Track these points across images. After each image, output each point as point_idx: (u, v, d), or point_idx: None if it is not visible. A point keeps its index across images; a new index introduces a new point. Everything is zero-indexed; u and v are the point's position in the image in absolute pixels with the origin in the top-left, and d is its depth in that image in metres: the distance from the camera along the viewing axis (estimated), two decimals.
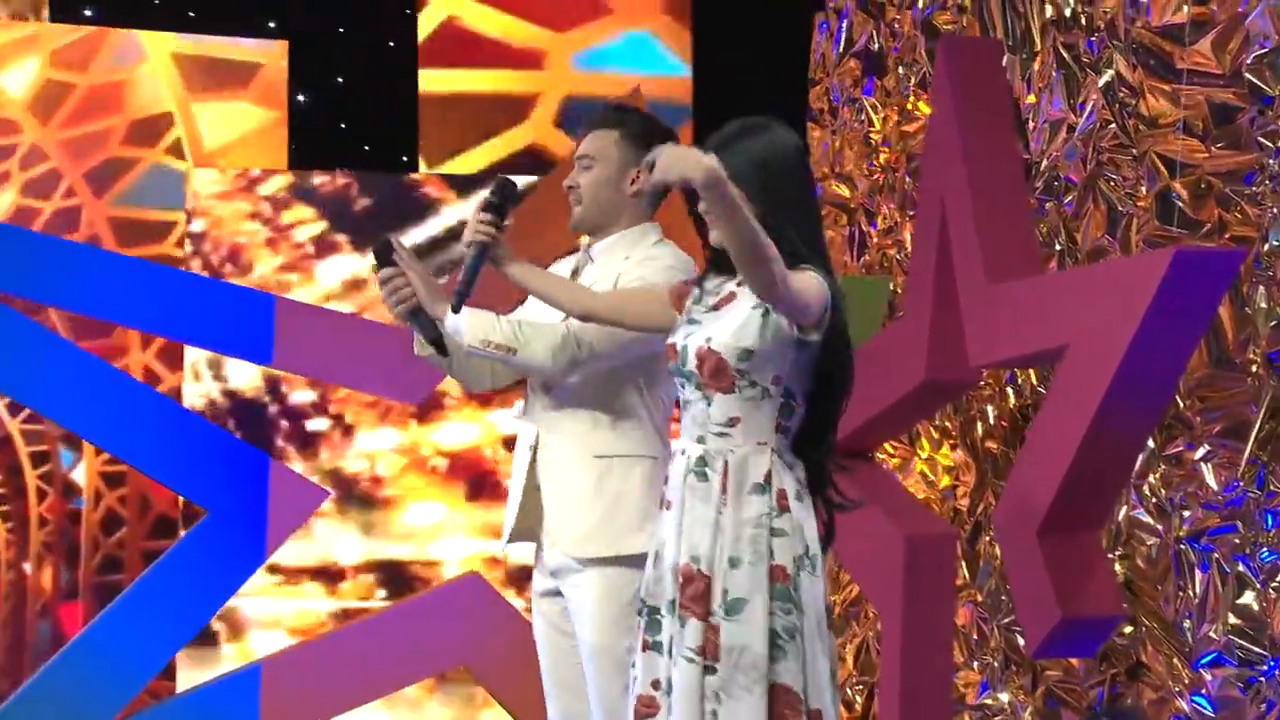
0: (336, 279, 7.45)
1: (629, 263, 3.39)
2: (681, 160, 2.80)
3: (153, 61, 7.93)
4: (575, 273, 3.49)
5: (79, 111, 7.96)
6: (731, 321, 3.02)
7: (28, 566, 7.96)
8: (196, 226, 7.60)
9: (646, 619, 3.05)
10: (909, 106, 5.87)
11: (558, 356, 3.32)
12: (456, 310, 3.27)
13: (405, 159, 8.38)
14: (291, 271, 7.47)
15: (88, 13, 8.29)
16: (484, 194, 3.33)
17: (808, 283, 2.93)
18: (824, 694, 2.94)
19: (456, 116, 8.11)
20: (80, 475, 7.95)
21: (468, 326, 3.28)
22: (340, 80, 8.68)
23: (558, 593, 3.45)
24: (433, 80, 8.13)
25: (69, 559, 7.99)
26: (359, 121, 8.60)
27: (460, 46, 8.23)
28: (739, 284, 3.08)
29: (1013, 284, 4.22)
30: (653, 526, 3.15)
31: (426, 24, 8.21)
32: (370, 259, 3.43)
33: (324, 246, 7.48)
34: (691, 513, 3.00)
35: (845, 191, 6.29)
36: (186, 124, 7.94)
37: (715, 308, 3.09)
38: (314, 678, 6.13)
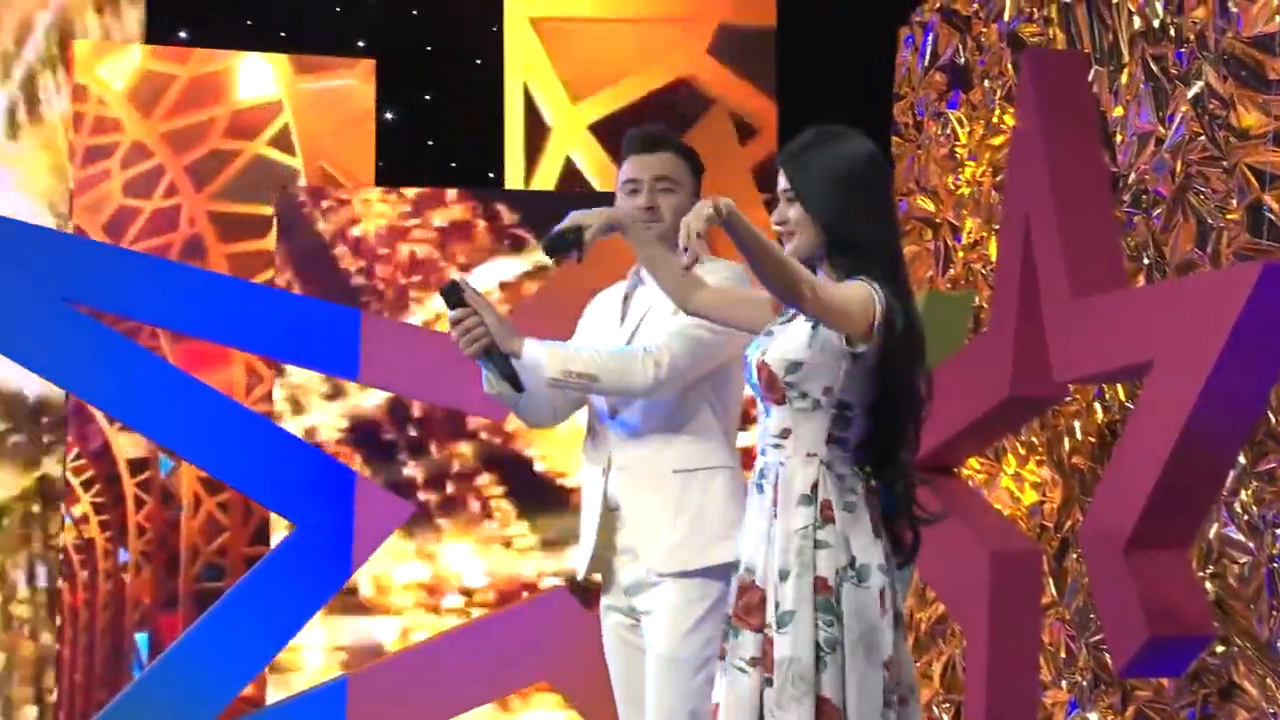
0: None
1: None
2: (698, 214, 2.87)
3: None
4: (626, 297, 3.51)
5: (180, 103, 8.03)
6: (788, 335, 3.05)
7: (126, 576, 8.05)
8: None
9: (726, 629, 3.07)
10: (995, 120, 5.83)
11: (640, 378, 3.33)
12: (550, 253, 3.27)
13: (491, 175, 8.43)
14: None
15: (182, 34, 8.41)
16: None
17: (851, 293, 2.94)
18: (866, 708, 2.92)
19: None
20: (179, 482, 8.01)
21: (547, 359, 3.31)
22: (428, 97, 8.76)
23: (631, 609, 3.47)
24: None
25: (168, 567, 8.05)
26: (447, 137, 8.68)
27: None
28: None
29: (1098, 298, 4.17)
30: (736, 535, 3.16)
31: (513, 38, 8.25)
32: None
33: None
34: (749, 525, 3.05)
35: (930, 206, 6.25)
36: (295, 113, 7.92)
37: (787, 321, 3.10)
38: (400, 692, 6.17)
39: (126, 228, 7.87)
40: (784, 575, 2.96)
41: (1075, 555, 5.21)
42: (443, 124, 8.73)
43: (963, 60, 6.05)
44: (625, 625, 3.49)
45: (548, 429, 3.66)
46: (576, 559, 3.57)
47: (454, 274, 3.46)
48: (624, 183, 3.50)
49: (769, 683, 2.94)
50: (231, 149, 8.06)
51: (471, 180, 8.37)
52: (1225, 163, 4.62)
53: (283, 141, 8.01)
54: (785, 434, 3.01)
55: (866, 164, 3.04)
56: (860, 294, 2.94)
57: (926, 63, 6.28)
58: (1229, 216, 4.59)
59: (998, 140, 5.80)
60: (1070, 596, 5.25)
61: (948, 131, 6.15)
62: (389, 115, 8.49)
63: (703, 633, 3.32)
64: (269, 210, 7.63)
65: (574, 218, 3.26)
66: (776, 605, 2.95)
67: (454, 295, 3.35)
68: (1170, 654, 4.06)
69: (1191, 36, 4.77)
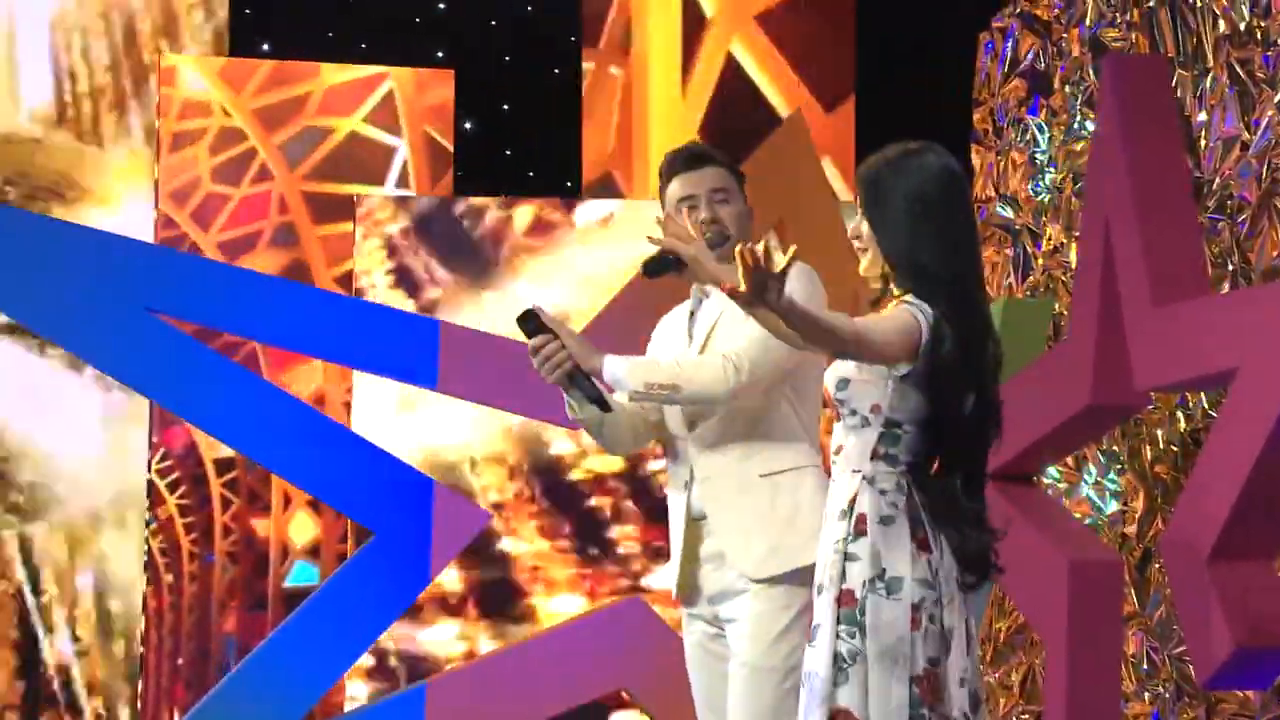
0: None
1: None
2: (749, 304, 2.86)
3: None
4: (691, 314, 3.52)
5: (272, 79, 8.04)
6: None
7: (213, 578, 8.09)
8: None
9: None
10: (1076, 126, 5.78)
11: (721, 384, 3.33)
12: (649, 274, 3.32)
13: (569, 184, 8.45)
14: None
15: (265, 47, 8.48)
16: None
17: (893, 325, 2.94)
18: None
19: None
20: (266, 481, 8.00)
21: (627, 373, 3.32)
22: (505, 108, 8.79)
23: (715, 618, 3.46)
24: None
25: (257, 567, 8.07)
26: (524, 148, 8.70)
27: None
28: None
29: (1180, 305, 4.11)
30: None
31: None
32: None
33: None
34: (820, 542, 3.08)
35: (1010, 213, 6.20)
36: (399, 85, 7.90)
37: None
38: (478, 699, 6.20)
39: (213, 216, 7.87)
40: (820, 590, 2.99)
41: (1158, 565, 5.15)
42: (519, 133, 8.74)
43: (1043, 66, 6.00)
44: (709, 635, 3.48)
45: (628, 454, 3.67)
46: (667, 576, 3.58)
47: (531, 304, 3.46)
48: (678, 202, 3.50)
49: None
50: (326, 125, 8.03)
51: (551, 189, 8.39)
52: None
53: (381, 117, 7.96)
54: (839, 450, 3.06)
55: (937, 187, 3.02)
56: (901, 323, 2.94)
57: (1006, 68, 6.22)
58: None
59: (1079, 146, 5.74)
60: (1152, 607, 5.18)
61: (1027, 138, 6.10)
62: (467, 125, 8.53)
63: (789, 640, 3.32)
64: (364, 189, 7.66)
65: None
66: (813, 619, 2.99)
67: (531, 323, 3.35)
68: (1256, 666, 4.00)
69: (1278, 39, 4.71)
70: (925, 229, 2.99)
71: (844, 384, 3.02)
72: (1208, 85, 5.02)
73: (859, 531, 2.96)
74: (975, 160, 6.48)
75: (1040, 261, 5.97)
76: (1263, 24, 4.79)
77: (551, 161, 8.58)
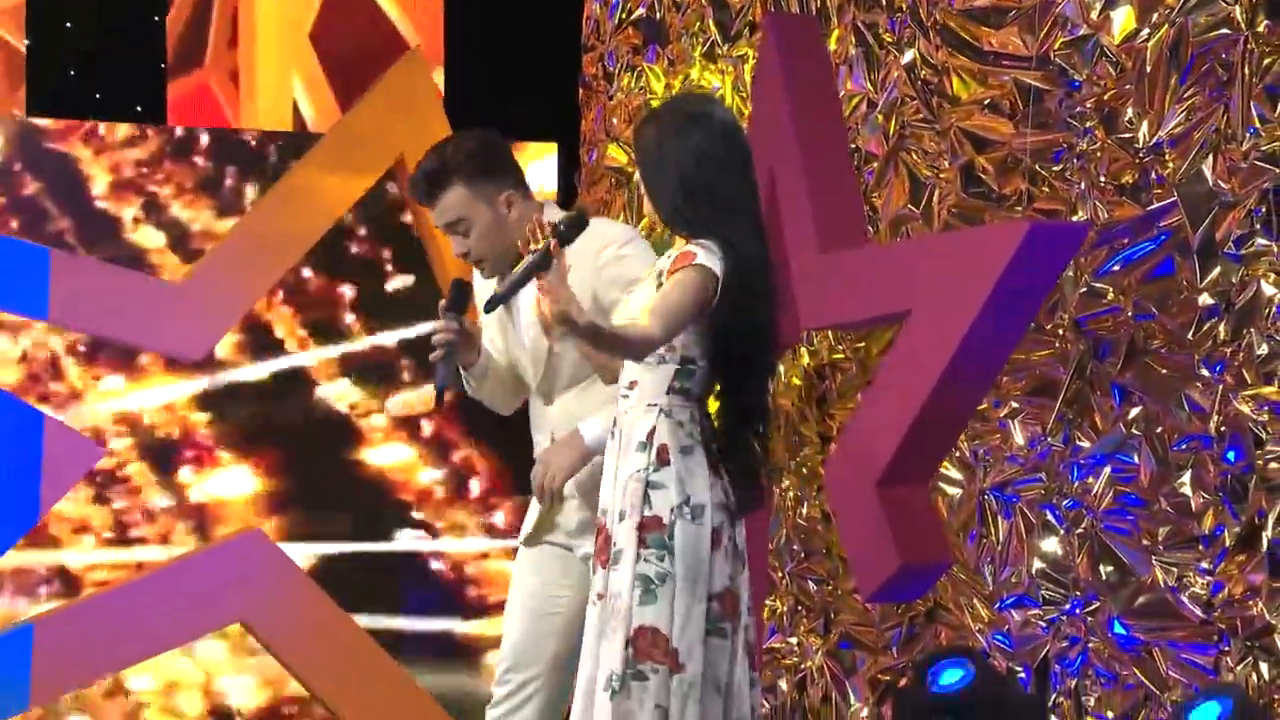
0: None
1: (601, 272, 3.55)
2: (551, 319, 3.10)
3: None
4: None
5: None
6: (637, 298, 3.30)
7: None
8: None
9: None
10: (696, 77, 6.07)
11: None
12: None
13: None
14: None
15: None
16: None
17: (688, 295, 3.16)
18: (690, 635, 3.15)
19: None
20: None
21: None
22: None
23: (569, 549, 3.66)
24: None
25: None
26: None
27: None
28: (669, 257, 3.28)
29: (846, 252, 4.47)
30: None
31: None
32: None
33: None
34: (604, 471, 3.28)
35: (622, 157, 6.46)
36: None
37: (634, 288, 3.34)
38: (89, 636, 6.04)
39: None
40: (621, 516, 3.20)
41: (778, 488, 5.52)
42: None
43: (659, 16, 6.26)
44: (557, 555, 3.68)
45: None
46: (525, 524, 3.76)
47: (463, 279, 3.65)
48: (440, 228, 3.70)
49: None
50: None
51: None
52: (938, 126, 4.98)
53: None
54: (632, 385, 3.25)
55: (725, 139, 3.27)
56: (694, 282, 3.15)
57: (619, 17, 6.46)
58: (942, 175, 4.95)
59: None
60: (774, 529, 5.57)
61: (642, 83, 6.36)
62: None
63: None
64: None
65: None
66: (613, 543, 3.19)
67: (460, 298, 3.56)
68: (914, 580, 4.44)
69: (903, 5, 5.11)
70: (706, 179, 3.22)
71: None
72: (833, 45, 5.38)
73: (662, 461, 3.17)
74: (584, 104, 6.72)
75: None
76: None
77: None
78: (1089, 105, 4.53)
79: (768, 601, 5.58)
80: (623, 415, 3.24)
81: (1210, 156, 4.17)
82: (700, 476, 3.19)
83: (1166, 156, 4.28)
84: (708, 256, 3.17)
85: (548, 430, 3.68)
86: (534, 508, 3.71)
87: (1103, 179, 4.47)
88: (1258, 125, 4.11)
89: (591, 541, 3.53)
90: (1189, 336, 4.24)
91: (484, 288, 3.73)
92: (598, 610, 3.19)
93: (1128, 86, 4.41)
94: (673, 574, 3.13)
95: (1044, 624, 4.64)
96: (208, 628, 6.26)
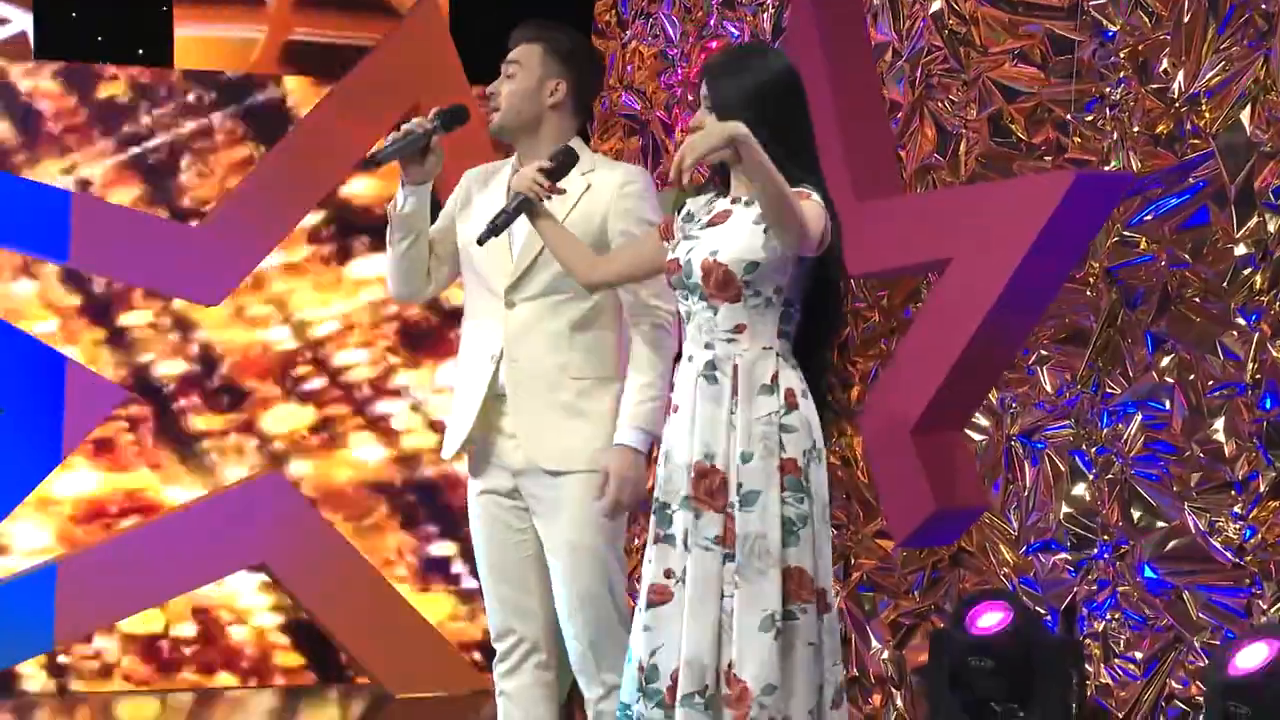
0: None
1: (619, 201, 3.56)
2: (708, 137, 3.10)
3: None
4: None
5: None
6: (735, 236, 3.26)
7: None
8: None
9: (658, 515, 3.27)
10: (712, 24, 6.09)
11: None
12: (481, 243, 3.46)
13: None
14: None
15: None
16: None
17: (812, 213, 3.19)
18: (828, 574, 3.24)
19: None
20: None
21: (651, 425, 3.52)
22: None
23: (513, 492, 3.60)
24: None
25: None
26: None
27: None
28: (733, 201, 3.31)
29: (883, 201, 4.51)
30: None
31: None
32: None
33: None
34: (703, 414, 3.24)
35: (638, 104, 6.48)
36: None
37: (712, 223, 3.30)
38: (111, 576, 6.08)
39: None
40: (746, 458, 3.20)
41: None
42: None
43: None
44: (504, 506, 3.62)
45: (415, 299, 3.73)
46: (448, 438, 3.67)
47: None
48: None
49: (730, 558, 3.17)
50: None
51: None
52: (965, 75, 5.02)
53: None
54: (739, 329, 3.24)
55: (788, 79, 3.29)
56: (816, 211, 3.19)
57: None
58: (970, 125, 4.99)
59: (716, 44, 6.05)
60: None
61: (655, 31, 6.37)
62: None
63: (607, 526, 3.53)
64: None
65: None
66: (740, 486, 3.18)
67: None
68: (948, 524, 4.50)
69: None
70: (780, 119, 3.23)
71: (753, 267, 3.21)
72: None
73: (790, 405, 3.22)
74: (598, 50, 6.70)
75: (672, 151, 6.27)
76: None
77: None
78: (1122, 55, 4.57)
79: None
80: (735, 358, 3.22)
81: (1248, 107, 4.22)
82: (815, 419, 3.27)
83: (1203, 107, 4.33)
84: (819, 201, 3.22)
85: (498, 337, 3.54)
86: (457, 423, 3.60)
87: (1136, 129, 4.51)
88: None
89: (535, 481, 3.53)
90: (1224, 285, 4.29)
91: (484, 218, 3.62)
92: (714, 555, 3.17)
93: (1164, 36, 4.45)
94: (810, 516, 3.19)
95: (1072, 568, 4.72)
96: (228, 568, 6.30)
